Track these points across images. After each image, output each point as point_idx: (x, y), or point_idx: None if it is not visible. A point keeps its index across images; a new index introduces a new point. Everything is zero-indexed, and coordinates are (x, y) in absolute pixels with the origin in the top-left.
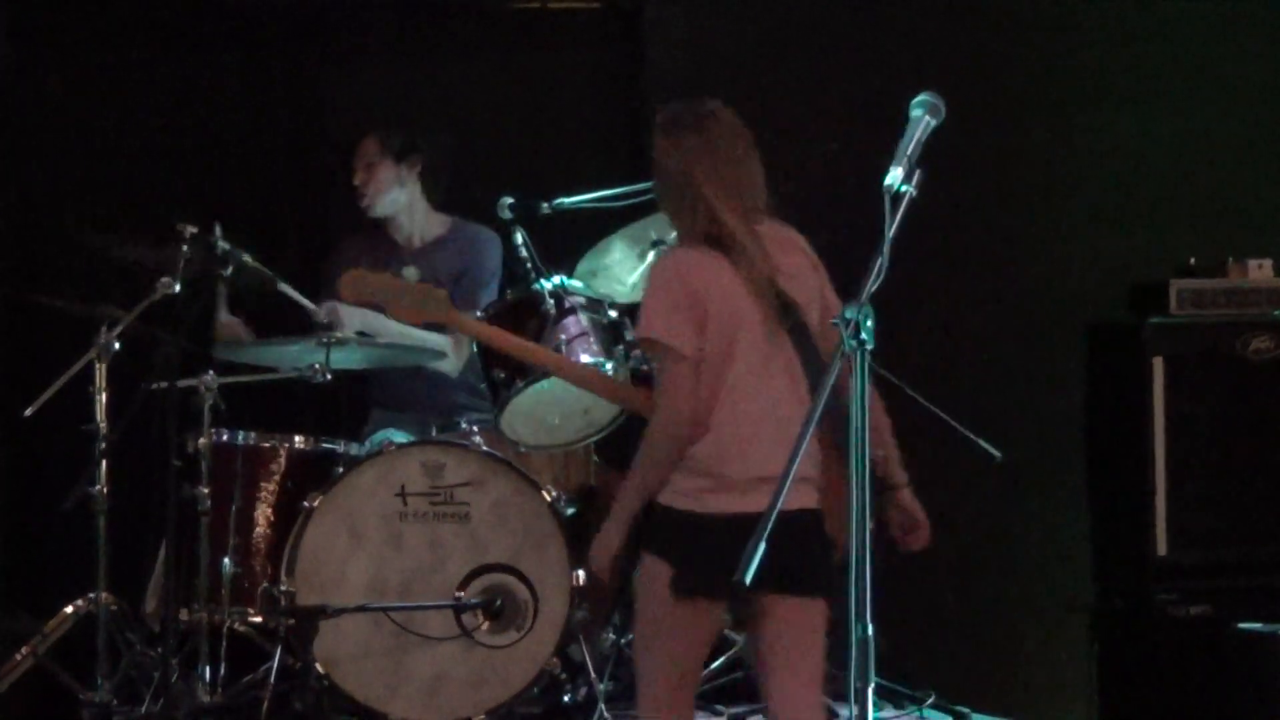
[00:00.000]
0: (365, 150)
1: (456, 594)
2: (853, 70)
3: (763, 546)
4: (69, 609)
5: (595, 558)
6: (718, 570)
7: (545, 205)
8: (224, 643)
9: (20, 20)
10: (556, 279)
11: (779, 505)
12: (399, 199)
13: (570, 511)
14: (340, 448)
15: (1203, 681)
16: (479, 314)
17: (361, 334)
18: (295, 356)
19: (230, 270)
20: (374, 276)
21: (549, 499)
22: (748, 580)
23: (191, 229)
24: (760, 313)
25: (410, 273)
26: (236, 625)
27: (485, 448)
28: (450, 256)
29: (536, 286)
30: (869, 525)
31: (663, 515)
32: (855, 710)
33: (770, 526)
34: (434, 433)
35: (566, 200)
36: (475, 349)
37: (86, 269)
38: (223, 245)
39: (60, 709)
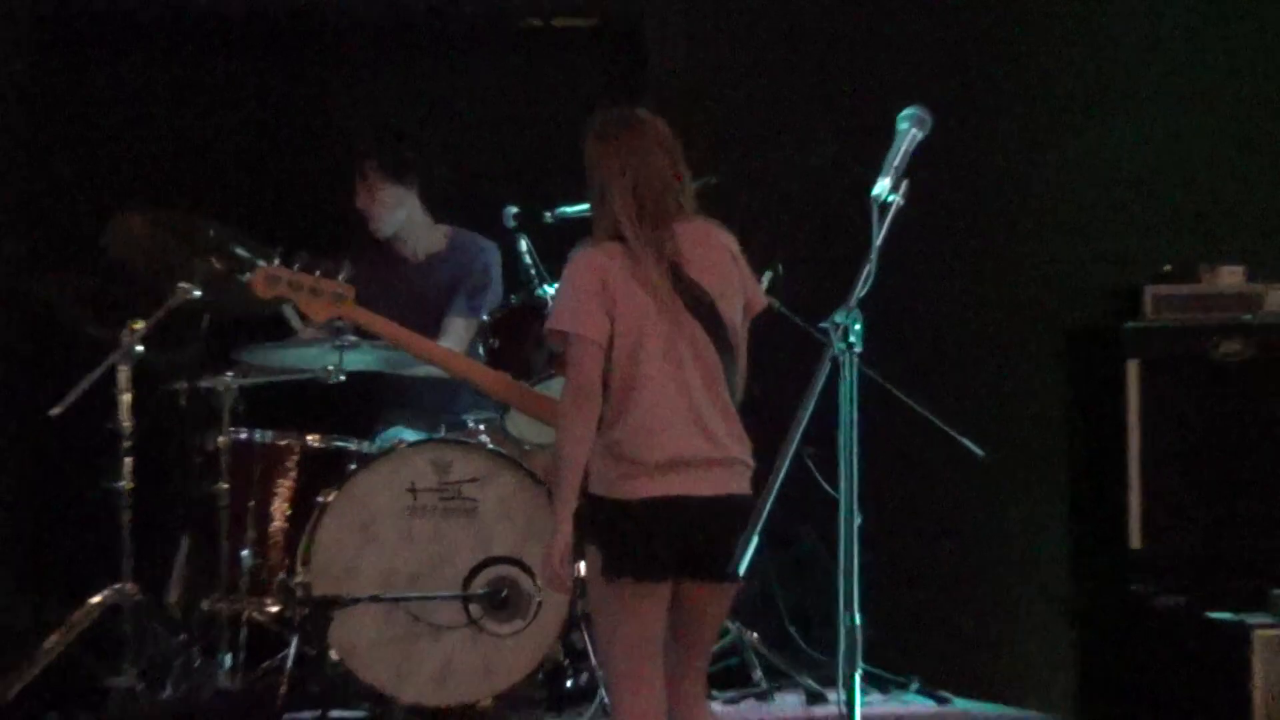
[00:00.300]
0: (366, 174)
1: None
2: (844, 82)
3: (755, 539)
4: (94, 599)
5: (548, 564)
6: (639, 552)
7: (548, 214)
8: (243, 631)
9: (44, 33)
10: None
11: (772, 493)
12: (401, 217)
13: None
14: (353, 446)
15: (1176, 668)
16: (485, 317)
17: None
18: (311, 358)
19: (248, 274)
20: (287, 273)
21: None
22: (741, 571)
23: (211, 229)
24: (664, 304)
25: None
26: (255, 615)
27: (491, 445)
28: (451, 267)
29: (540, 292)
30: (857, 520)
31: (592, 504)
32: (843, 695)
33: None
34: (442, 431)
35: (569, 209)
36: (480, 351)
37: (109, 276)
38: (240, 252)
39: (88, 695)
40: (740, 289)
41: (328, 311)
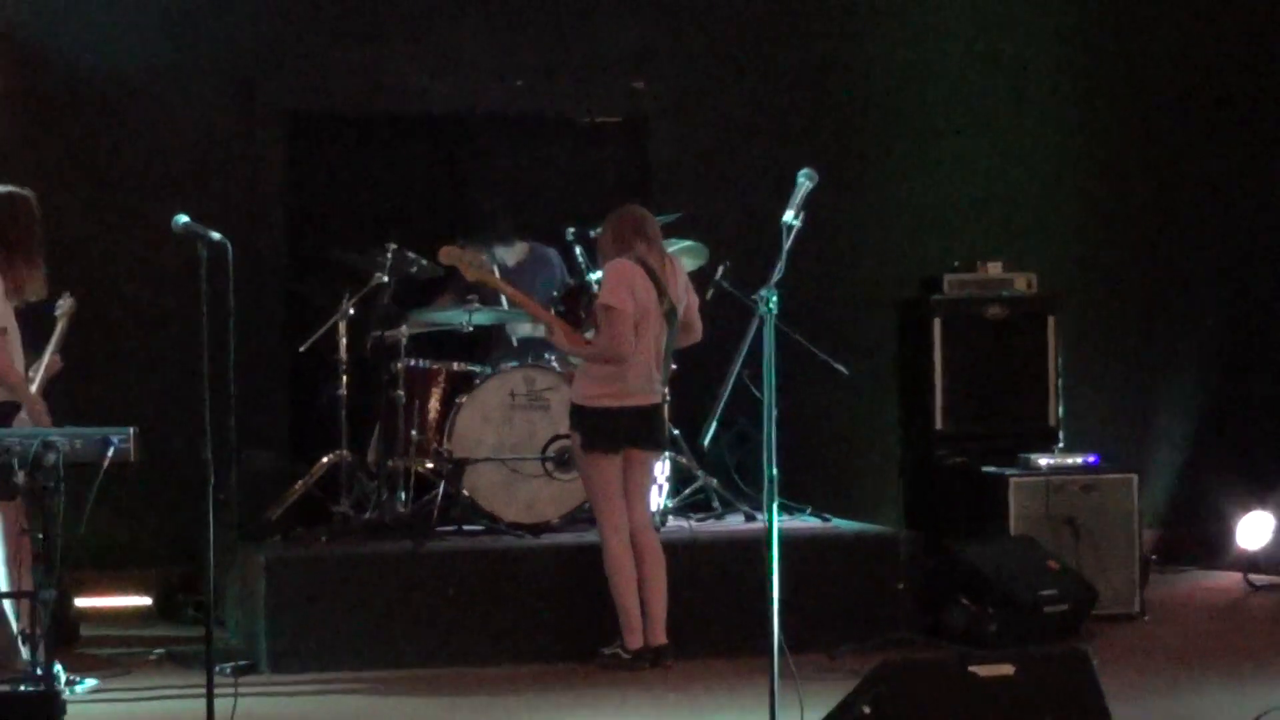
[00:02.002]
0: (499, 231)
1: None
2: (765, 150)
3: (715, 424)
4: (325, 459)
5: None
6: (608, 436)
7: (592, 231)
8: (412, 478)
9: (297, 125)
10: (599, 274)
11: (723, 398)
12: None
13: None
14: (478, 368)
15: (963, 502)
16: (555, 293)
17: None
18: (452, 317)
19: (414, 269)
20: (458, 250)
21: None
22: (706, 442)
23: (392, 245)
24: (656, 303)
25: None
26: (419, 469)
27: (559, 368)
28: (533, 267)
29: (587, 279)
30: (774, 412)
31: (580, 410)
32: (765, 516)
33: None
34: (530, 360)
35: (574, 230)
36: (552, 310)
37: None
38: (410, 255)
39: (319, 517)
40: (688, 301)
41: (478, 275)
